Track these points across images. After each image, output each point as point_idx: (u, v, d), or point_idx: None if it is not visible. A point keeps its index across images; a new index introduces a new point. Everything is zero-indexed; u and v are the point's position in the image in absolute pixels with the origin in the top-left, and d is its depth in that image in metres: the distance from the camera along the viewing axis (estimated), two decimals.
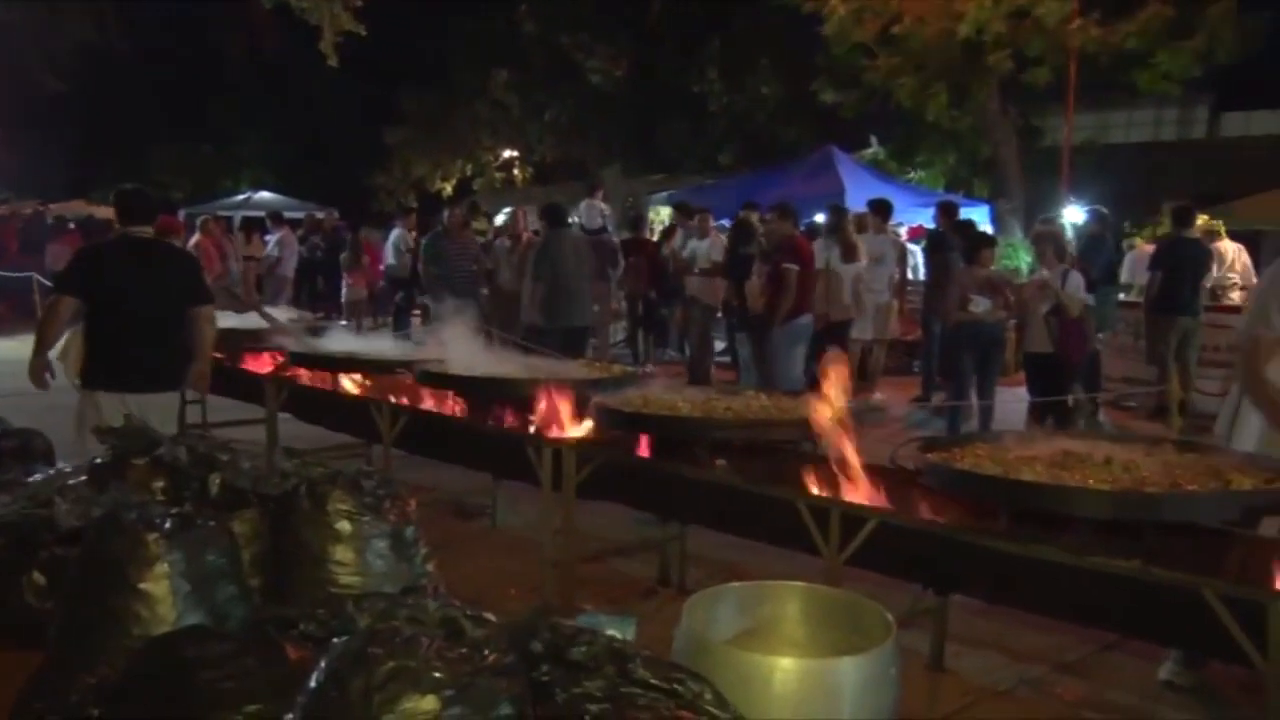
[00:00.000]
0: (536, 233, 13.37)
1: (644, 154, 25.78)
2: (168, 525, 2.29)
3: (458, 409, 5.69)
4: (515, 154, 29.12)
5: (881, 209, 11.50)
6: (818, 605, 1.66)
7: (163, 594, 2.18)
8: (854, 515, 3.73)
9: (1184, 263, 9.84)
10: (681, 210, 12.95)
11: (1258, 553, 3.27)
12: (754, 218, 10.79)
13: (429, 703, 1.23)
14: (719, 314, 11.38)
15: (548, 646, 1.45)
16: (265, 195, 26.64)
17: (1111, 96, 20.69)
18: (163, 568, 2.21)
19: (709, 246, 11.29)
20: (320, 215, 19.38)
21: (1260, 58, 18.08)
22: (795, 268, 8.55)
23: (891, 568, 3.88)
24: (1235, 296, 11.35)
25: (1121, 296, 12.49)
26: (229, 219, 19.64)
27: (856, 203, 14.48)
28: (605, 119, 26.54)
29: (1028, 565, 3.34)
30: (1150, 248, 11.79)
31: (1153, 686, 4.24)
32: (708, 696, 1.36)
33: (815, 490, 3.95)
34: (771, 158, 19.92)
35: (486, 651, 1.35)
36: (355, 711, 1.25)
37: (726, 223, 12.74)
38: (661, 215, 17.56)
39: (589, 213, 13.46)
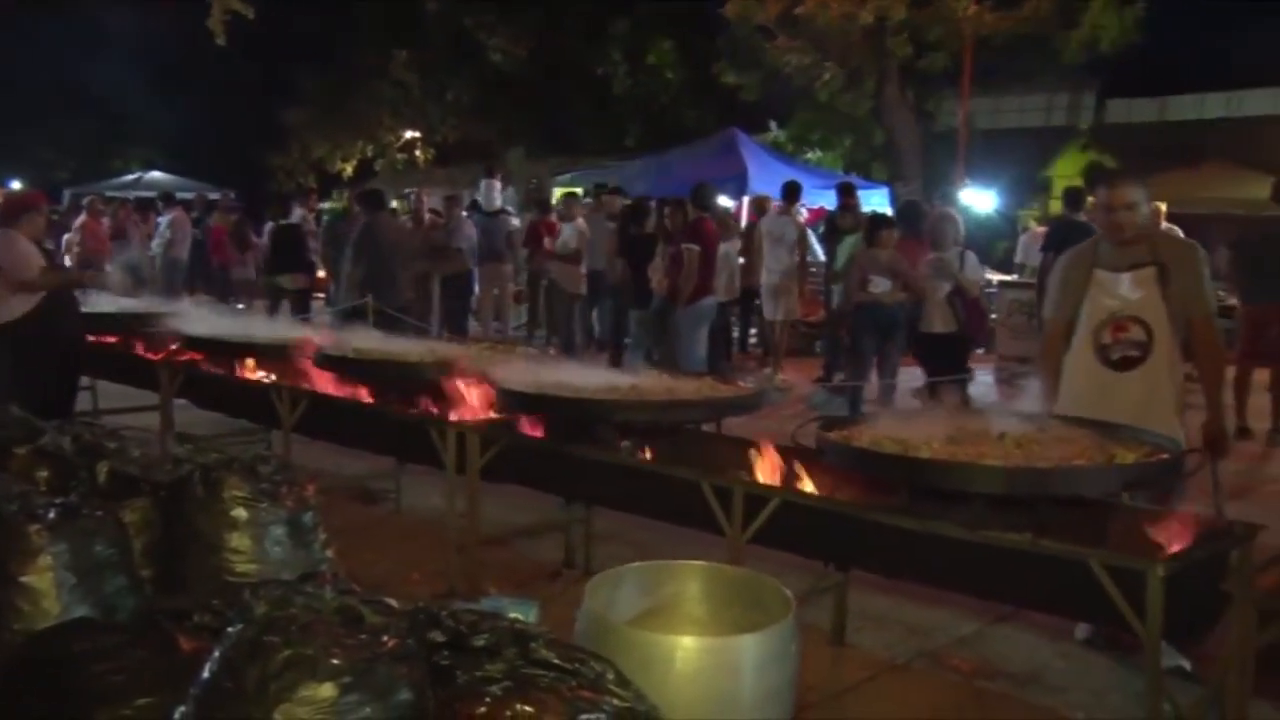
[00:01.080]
0: (437, 213, 13.26)
1: (548, 136, 25.64)
2: (51, 516, 2.21)
3: (360, 393, 5.60)
4: (417, 135, 28.71)
5: (791, 192, 11.63)
6: (719, 584, 1.68)
7: (46, 587, 2.11)
8: (756, 495, 3.77)
9: (1074, 244, 10.13)
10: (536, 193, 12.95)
11: (1139, 523, 3.40)
12: (650, 200, 10.87)
13: (326, 690, 1.21)
14: (581, 297, 11.33)
15: (448, 631, 1.43)
16: (157, 175, 25.83)
17: (1005, 82, 21.19)
18: (45, 560, 2.14)
19: (572, 231, 11.18)
20: (214, 196, 18.88)
21: (1139, 48, 18.74)
22: (695, 248, 8.60)
23: (794, 545, 3.94)
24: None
25: (1015, 277, 12.83)
26: (127, 199, 18.94)
27: (760, 184, 14.63)
28: (508, 100, 26.32)
29: (925, 540, 3.41)
30: (1042, 229, 12.12)
31: (1043, 655, 4.38)
32: (610, 676, 1.36)
33: (718, 470, 3.98)
34: (675, 140, 19.95)
35: (385, 637, 1.33)
36: (250, 701, 1.23)
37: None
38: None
39: (488, 193, 13.35)
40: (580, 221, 11.67)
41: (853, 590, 4.47)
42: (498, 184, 13.93)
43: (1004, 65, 20.25)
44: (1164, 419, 4.10)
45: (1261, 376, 8.52)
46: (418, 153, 28.94)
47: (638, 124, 24.92)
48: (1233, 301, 8.96)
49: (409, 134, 28.70)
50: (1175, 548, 3.09)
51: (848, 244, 10.28)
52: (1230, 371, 7.91)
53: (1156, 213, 10.55)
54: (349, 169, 28.41)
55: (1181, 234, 12.52)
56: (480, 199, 13.38)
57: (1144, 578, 2.94)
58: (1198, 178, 17.39)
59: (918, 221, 8.90)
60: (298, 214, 13.99)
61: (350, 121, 27.83)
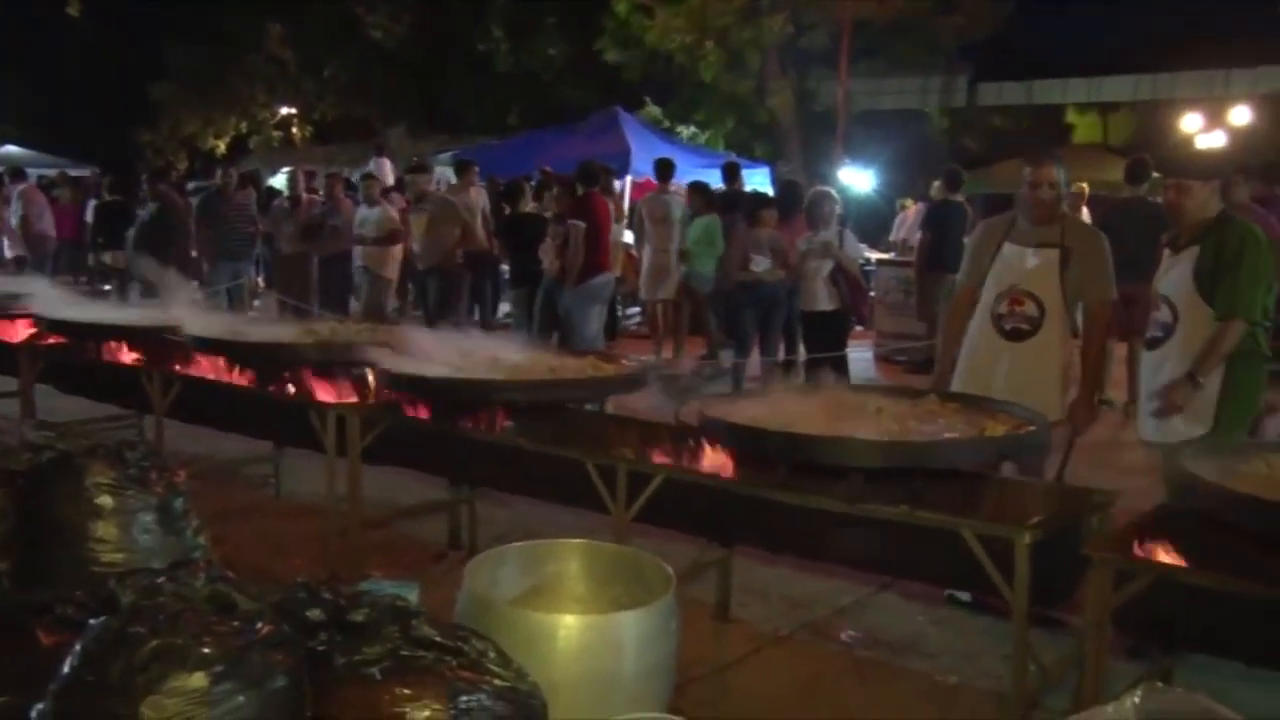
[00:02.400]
0: (317, 192, 12.96)
1: (429, 113, 25.24)
2: None
3: (236, 375, 5.45)
4: (293, 112, 27.94)
5: (663, 169, 11.66)
6: (600, 562, 1.69)
7: None
8: (640, 473, 3.80)
9: (951, 223, 10.40)
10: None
11: (1008, 493, 3.52)
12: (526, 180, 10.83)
13: (197, 680, 1.18)
14: (392, 281, 11.09)
15: (327, 614, 1.41)
16: (11, 149, 24.60)
17: (882, 64, 21.63)
18: None
19: (380, 215, 10.81)
20: (76, 173, 18.09)
21: (1009, 34, 19.36)
22: (582, 225, 8.56)
23: (678, 522, 3.97)
24: None
25: (892, 255, 13.13)
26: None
27: (642, 164, 14.64)
28: (388, 77, 25.79)
29: (805, 514, 3.48)
30: (916, 209, 12.42)
31: (919, 622, 4.51)
32: (491, 655, 1.36)
33: (602, 449, 3.99)
34: (558, 118, 19.84)
35: (259, 624, 1.30)
36: (115, 695, 1.18)
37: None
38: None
39: (379, 172, 13.19)
40: (389, 206, 11.27)
41: (736, 565, 4.54)
42: (388, 163, 13.72)
43: (882, 48, 20.70)
44: (1046, 391, 4.34)
45: (1121, 350, 8.89)
46: (294, 130, 28.17)
47: (521, 101, 24.68)
48: None
49: (285, 110, 27.90)
50: (1040, 516, 3.21)
51: (699, 225, 10.33)
52: None
53: (1080, 194, 10.92)
54: (222, 146, 27.50)
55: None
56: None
57: (1012, 545, 3.05)
58: (1065, 159, 17.99)
59: (796, 201, 9.03)
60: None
61: (223, 97, 26.92)
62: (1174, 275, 4.25)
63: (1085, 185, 11.10)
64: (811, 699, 3.83)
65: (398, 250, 10.74)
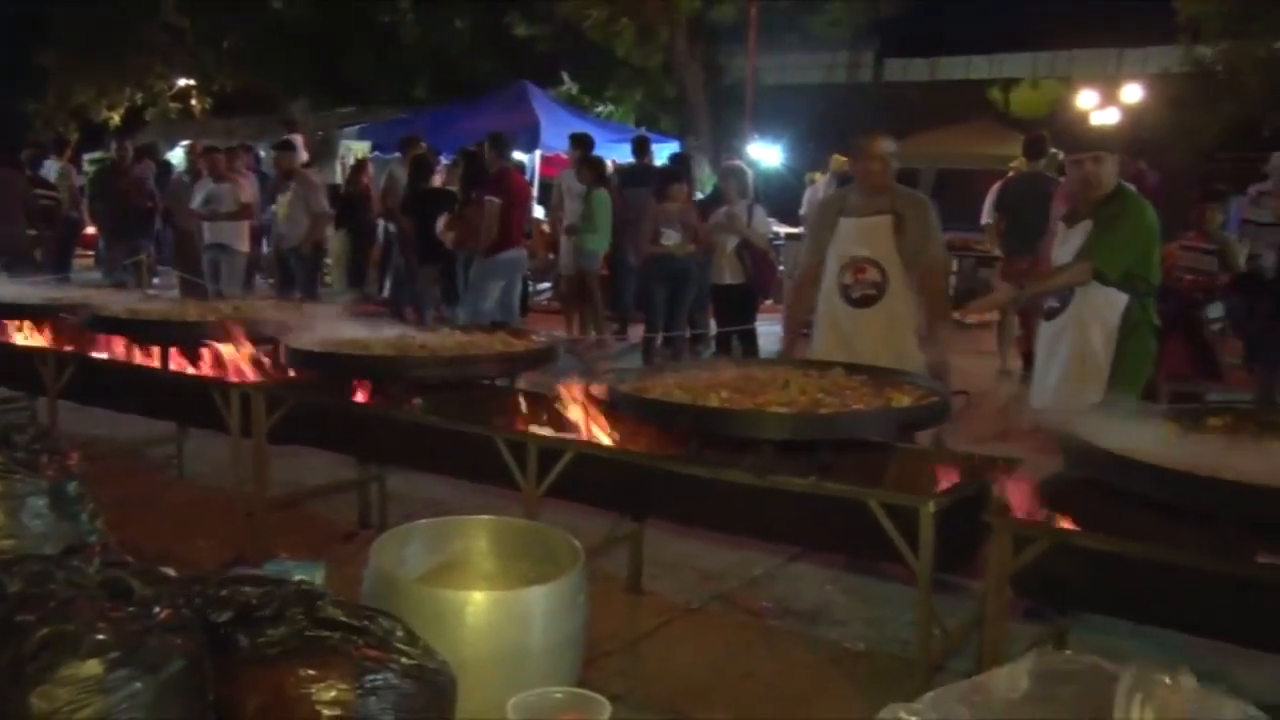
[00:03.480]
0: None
1: (333, 86, 24.67)
2: None
3: (135, 355, 5.30)
4: (191, 83, 27.12)
5: (581, 144, 11.60)
6: (508, 538, 1.68)
7: None
8: (550, 448, 3.79)
9: None
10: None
11: (913, 462, 3.59)
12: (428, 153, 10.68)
13: (91, 667, 1.14)
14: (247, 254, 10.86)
15: (229, 597, 1.38)
16: None
17: (790, 39, 21.78)
18: None
19: (229, 189, 10.49)
20: None
21: (915, 11, 19.63)
22: (497, 201, 8.47)
23: (590, 497, 3.98)
24: None
25: (801, 230, 13.24)
26: None
27: (552, 138, 14.56)
28: (290, 48, 25.12)
29: (715, 487, 3.51)
30: (825, 182, 12.54)
31: (828, 591, 4.59)
32: (398, 634, 1.35)
33: (512, 425, 3.98)
34: (467, 92, 19.59)
35: (157, 609, 1.27)
36: (3, 685, 1.14)
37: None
38: (355, 151, 16.95)
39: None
40: (242, 180, 11.01)
41: (648, 538, 4.56)
42: (299, 139, 13.47)
43: (789, 23, 20.83)
44: (900, 350, 4.59)
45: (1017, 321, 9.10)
46: (193, 102, 27.36)
47: (428, 75, 24.28)
48: (998, 253, 9.52)
49: (183, 82, 27.06)
50: (944, 485, 3.29)
51: (591, 199, 10.26)
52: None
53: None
54: (115, 117, 26.56)
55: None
56: None
57: (917, 514, 3.12)
58: (966, 135, 18.37)
59: (685, 174, 9.13)
60: (50, 166, 13.04)
61: (116, 66, 25.97)
62: (1069, 248, 4.37)
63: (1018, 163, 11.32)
64: (723, 669, 3.88)
65: (247, 225, 10.49)
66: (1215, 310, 6.89)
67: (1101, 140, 4.51)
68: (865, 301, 4.73)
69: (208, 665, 1.27)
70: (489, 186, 8.67)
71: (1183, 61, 18.33)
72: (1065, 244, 4.41)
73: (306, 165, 12.89)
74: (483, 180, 9.33)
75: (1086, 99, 18.56)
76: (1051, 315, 4.50)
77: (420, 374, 4.34)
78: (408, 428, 4.30)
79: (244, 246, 10.49)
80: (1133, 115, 17.78)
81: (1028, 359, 8.61)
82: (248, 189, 10.55)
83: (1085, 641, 3.71)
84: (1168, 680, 1.16)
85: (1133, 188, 4.58)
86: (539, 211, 12.94)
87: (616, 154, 14.62)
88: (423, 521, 1.67)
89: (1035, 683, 1.21)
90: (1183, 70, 18.42)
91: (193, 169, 12.46)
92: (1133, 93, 18.54)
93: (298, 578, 1.72)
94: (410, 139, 11.48)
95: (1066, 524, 2.96)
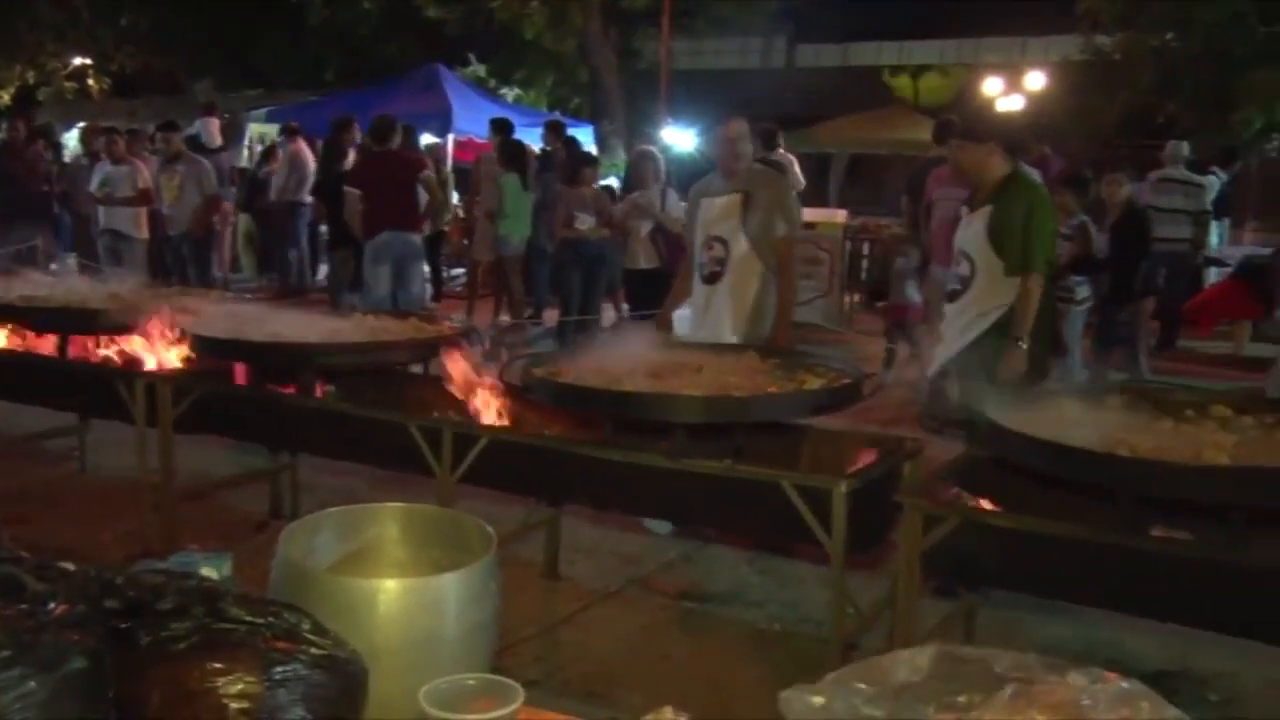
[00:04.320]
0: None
1: (240, 68, 24.10)
2: None
3: (32, 343, 5.13)
4: (88, 62, 26.22)
5: (497, 129, 11.50)
6: (419, 524, 1.66)
7: None
8: (465, 434, 3.76)
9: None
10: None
11: (825, 444, 3.64)
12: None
13: None
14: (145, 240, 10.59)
15: (130, 591, 1.35)
16: None
17: (703, 24, 21.83)
18: None
19: (128, 173, 10.13)
20: None
21: None
22: (356, 191, 8.21)
23: (506, 483, 3.97)
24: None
25: None
26: None
27: (464, 122, 14.41)
28: (192, 27, 24.43)
29: (630, 471, 3.52)
30: None
31: (744, 573, 4.64)
32: (306, 625, 1.32)
33: (426, 411, 3.94)
34: (377, 75, 19.26)
35: (52, 605, 1.23)
36: None
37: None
38: (261, 134, 16.58)
39: (206, 131, 12.65)
40: (140, 164, 10.71)
41: (564, 524, 4.56)
42: (216, 121, 13.17)
43: (702, 8, 20.88)
44: (736, 324, 4.78)
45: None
46: (90, 82, 26.47)
47: (337, 57, 23.83)
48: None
49: (79, 61, 26.15)
50: (856, 466, 3.34)
51: (501, 184, 10.13)
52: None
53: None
54: (6, 97, 25.56)
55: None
56: (201, 137, 12.58)
57: (829, 495, 3.17)
58: (879, 120, 18.61)
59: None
60: None
61: (5, 44, 24.98)
62: (970, 232, 4.47)
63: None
64: (640, 652, 3.90)
65: (145, 212, 10.20)
66: (1084, 291, 7.12)
67: (967, 129, 4.59)
68: (713, 278, 4.91)
69: (107, 662, 1.24)
70: (351, 175, 8.56)
71: (1082, 50, 18.79)
72: (968, 228, 4.51)
73: (219, 150, 12.61)
74: (339, 165, 9.22)
75: (992, 86, 18.94)
76: (954, 296, 4.59)
77: (332, 360, 4.28)
78: (319, 415, 4.24)
79: (142, 233, 10.18)
80: (1036, 102, 18.19)
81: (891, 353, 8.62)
82: (147, 173, 10.25)
83: (993, 617, 3.81)
84: (1055, 676, 1.19)
85: (1034, 172, 4.69)
86: (453, 196, 12.81)
87: (528, 138, 14.52)
88: (332, 510, 1.64)
89: (935, 667, 1.23)
90: (1083, 59, 18.88)
91: (90, 151, 12.08)
92: (1036, 80, 18.97)
93: (204, 570, 1.68)
94: (344, 120, 11.29)
95: (975, 503, 3.03)
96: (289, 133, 12.67)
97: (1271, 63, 15.52)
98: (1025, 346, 4.23)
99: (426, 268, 12.07)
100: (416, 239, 8.30)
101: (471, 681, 1.32)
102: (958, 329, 4.49)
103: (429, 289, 11.00)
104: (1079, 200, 7.09)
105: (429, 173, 8.77)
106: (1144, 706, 1.14)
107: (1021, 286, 4.29)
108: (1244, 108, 15.78)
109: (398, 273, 8.11)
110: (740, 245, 4.82)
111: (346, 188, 8.28)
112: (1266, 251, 10.19)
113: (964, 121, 4.70)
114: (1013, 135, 4.65)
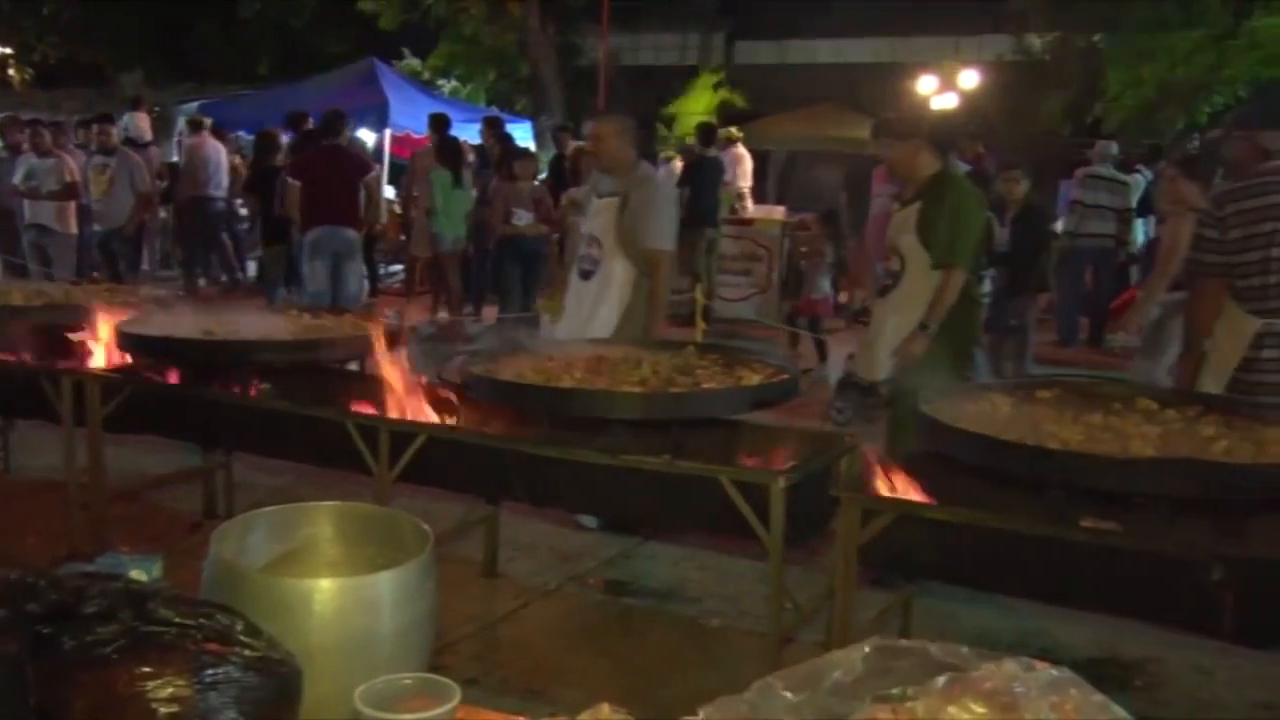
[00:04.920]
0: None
1: (170, 60, 23.61)
2: None
3: None
4: (8, 52, 25.52)
5: (439, 124, 11.41)
6: (354, 523, 1.64)
7: None
8: (402, 432, 3.73)
9: (707, 178, 10.66)
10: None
11: (763, 440, 3.66)
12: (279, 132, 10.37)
13: None
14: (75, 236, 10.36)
15: (52, 595, 1.31)
16: None
17: (642, 20, 21.85)
18: None
19: (54, 166, 9.89)
20: None
21: None
22: (296, 183, 8.11)
23: (444, 481, 3.94)
24: (748, 207, 12.46)
25: None
26: None
27: (402, 117, 14.28)
28: (120, 17, 23.85)
29: (569, 469, 3.51)
30: (680, 164, 12.64)
31: (683, 568, 4.66)
32: (239, 627, 1.30)
33: (363, 409, 3.90)
34: (312, 69, 19.01)
35: None
36: None
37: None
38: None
39: (135, 126, 12.40)
40: (65, 156, 10.48)
41: (504, 521, 4.55)
42: (145, 116, 12.93)
43: (643, 3, 20.90)
44: (605, 322, 4.83)
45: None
46: (11, 72, 25.77)
47: (270, 50, 23.46)
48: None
49: None
50: (793, 461, 3.36)
51: (432, 181, 10.05)
52: None
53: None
54: None
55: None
56: (130, 131, 12.33)
57: (768, 490, 3.18)
58: (815, 118, 18.77)
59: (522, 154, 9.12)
60: None
61: None
62: (900, 228, 4.54)
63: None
64: (579, 649, 3.90)
65: (72, 206, 9.98)
66: (987, 285, 7.30)
67: (893, 128, 4.67)
68: (585, 275, 4.99)
69: (28, 669, 1.21)
70: (293, 166, 8.46)
71: (1014, 50, 19.10)
72: (898, 224, 4.59)
73: (147, 145, 12.38)
74: (271, 160, 9.10)
75: (926, 84, 19.18)
76: (885, 291, 4.66)
77: (267, 358, 4.22)
78: (254, 413, 4.17)
79: (70, 228, 9.94)
80: (970, 100, 18.46)
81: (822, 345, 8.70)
82: (74, 167, 10.02)
83: (929, 608, 3.87)
84: (988, 665, 1.21)
85: (964, 169, 4.77)
86: (390, 192, 12.68)
87: (466, 134, 14.43)
88: (265, 509, 1.62)
89: (872, 661, 1.25)
90: (1014, 58, 19.19)
91: (9, 144, 11.75)
92: (969, 79, 19.24)
93: (132, 573, 1.65)
94: (298, 115, 11.13)
95: (909, 496, 3.07)
96: (194, 126, 12.46)
97: (1194, 64, 15.92)
98: (929, 333, 4.36)
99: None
100: (355, 235, 8.20)
101: (408, 681, 1.31)
102: (889, 322, 4.55)
103: (366, 286, 10.88)
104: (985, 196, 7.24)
105: (374, 175, 8.70)
106: (1073, 693, 1.17)
107: (942, 278, 4.37)
108: (1168, 108, 16.16)
109: (334, 269, 8.00)
110: (612, 246, 4.86)
111: (289, 178, 8.17)
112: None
113: (891, 120, 4.77)
114: (939, 133, 4.73)
